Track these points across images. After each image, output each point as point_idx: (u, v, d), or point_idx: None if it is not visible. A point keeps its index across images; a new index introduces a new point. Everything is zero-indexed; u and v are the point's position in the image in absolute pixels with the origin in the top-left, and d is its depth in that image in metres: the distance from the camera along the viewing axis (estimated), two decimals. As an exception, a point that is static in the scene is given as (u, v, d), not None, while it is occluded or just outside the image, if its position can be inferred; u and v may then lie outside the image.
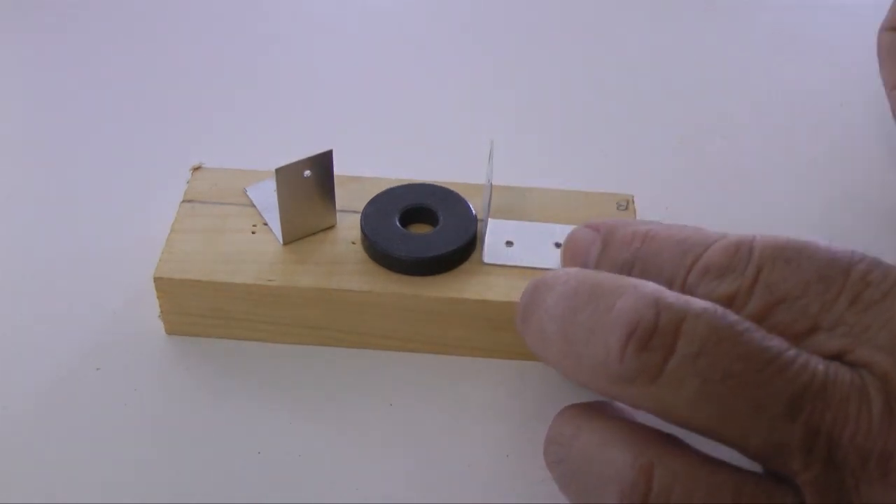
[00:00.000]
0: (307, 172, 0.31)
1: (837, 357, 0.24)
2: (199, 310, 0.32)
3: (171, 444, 0.30)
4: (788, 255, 0.25)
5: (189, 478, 0.29)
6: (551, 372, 0.32)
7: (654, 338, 0.23)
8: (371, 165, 0.36)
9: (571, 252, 0.31)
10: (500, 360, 0.33)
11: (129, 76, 0.45)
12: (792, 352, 0.23)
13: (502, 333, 0.32)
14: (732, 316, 0.24)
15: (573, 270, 0.26)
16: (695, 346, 0.23)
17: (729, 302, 0.25)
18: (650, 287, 0.24)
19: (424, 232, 0.33)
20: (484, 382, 0.32)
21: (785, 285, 0.25)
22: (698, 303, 0.24)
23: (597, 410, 0.26)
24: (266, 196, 0.34)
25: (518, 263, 0.32)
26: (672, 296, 0.24)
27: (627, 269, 0.28)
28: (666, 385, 0.23)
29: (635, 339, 0.23)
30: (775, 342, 0.24)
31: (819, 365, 0.23)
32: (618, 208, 0.35)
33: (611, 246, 0.29)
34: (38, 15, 0.49)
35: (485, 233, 0.33)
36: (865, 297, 0.24)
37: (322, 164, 0.32)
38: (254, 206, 0.34)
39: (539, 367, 0.33)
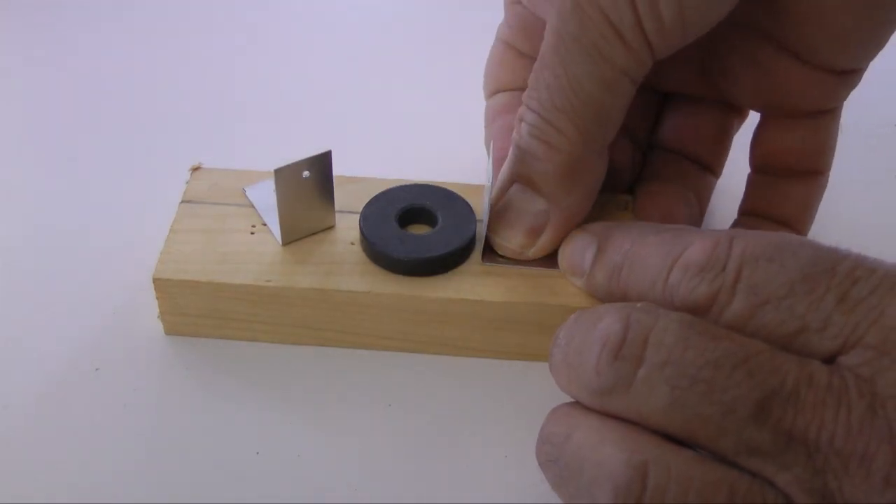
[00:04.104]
0: (306, 173, 0.31)
1: (830, 359, 0.24)
2: (198, 310, 0.32)
3: (170, 444, 0.30)
4: (771, 254, 0.25)
5: (189, 478, 0.29)
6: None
7: (624, 348, 0.24)
8: (371, 165, 0.36)
9: (568, 256, 0.31)
10: (500, 360, 0.33)
11: (130, 76, 0.45)
12: (764, 355, 0.24)
13: (502, 333, 0.32)
14: (701, 324, 0.24)
15: (585, 309, 0.27)
16: (662, 355, 0.24)
17: (710, 302, 0.25)
18: (626, 307, 0.25)
19: (423, 232, 0.33)
20: (484, 382, 0.32)
21: (769, 286, 0.24)
22: (667, 313, 0.25)
23: (589, 409, 0.26)
24: (265, 196, 0.34)
25: (518, 264, 0.32)
26: (643, 309, 0.25)
27: (617, 272, 0.29)
28: (639, 394, 0.24)
29: (606, 351, 0.24)
30: (747, 346, 0.24)
31: (793, 368, 0.23)
32: (617, 208, 0.35)
33: (605, 251, 0.30)
34: (38, 15, 0.49)
35: (485, 233, 0.33)
36: (853, 294, 0.24)
37: (321, 164, 0.32)
38: (253, 206, 0.34)
39: (539, 367, 0.33)
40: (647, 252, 0.28)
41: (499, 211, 0.32)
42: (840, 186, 0.38)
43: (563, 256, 0.31)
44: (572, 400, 0.27)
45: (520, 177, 0.31)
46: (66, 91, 0.45)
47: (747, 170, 0.35)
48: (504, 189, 0.31)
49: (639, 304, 0.25)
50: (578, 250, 0.31)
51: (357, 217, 0.33)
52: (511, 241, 0.32)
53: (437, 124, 0.43)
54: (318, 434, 0.31)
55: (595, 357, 0.25)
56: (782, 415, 0.23)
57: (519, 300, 0.31)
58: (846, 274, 0.24)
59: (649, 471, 0.23)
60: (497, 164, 0.32)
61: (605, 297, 0.30)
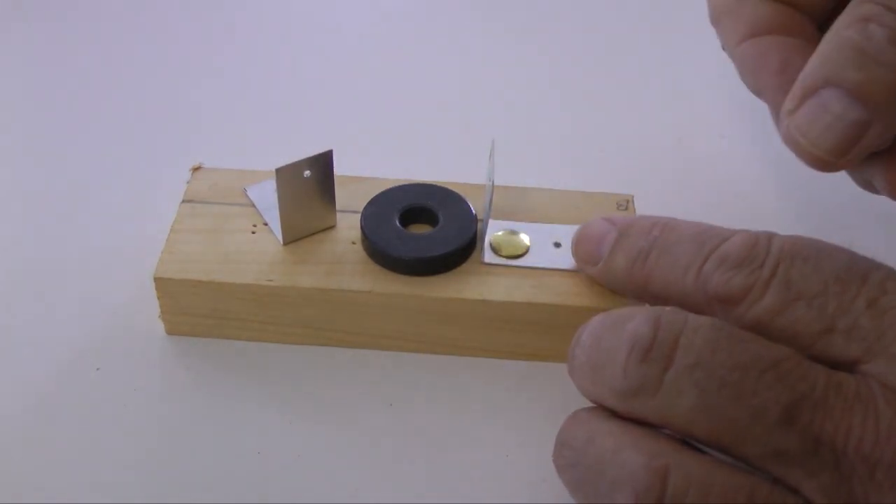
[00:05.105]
0: (307, 172, 0.31)
1: (852, 365, 0.24)
2: (199, 310, 0.32)
3: (171, 444, 0.30)
4: (808, 254, 0.25)
5: (189, 478, 0.29)
6: (551, 372, 0.32)
7: (653, 350, 0.24)
8: (371, 165, 0.36)
9: (584, 242, 0.31)
10: (501, 360, 0.33)
11: (130, 76, 0.45)
12: (793, 361, 0.24)
13: (502, 333, 0.32)
14: (730, 327, 0.24)
15: (609, 311, 0.27)
16: (691, 358, 0.24)
17: (744, 294, 0.25)
18: (655, 310, 0.25)
19: (424, 232, 0.33)
20: (484, 382, 0.32)
21: (802, 282, 0.25)
22: (695, 319, 0.25)
23: (610, 414, 0.26)
24: (266, 196, 0.34)
25: (518, 263, 0.32)
26: (673, 313, 0.25)
27: (643, 257, 0.29)
28: (666, 396, 0.24)
29: (636, 352, 0.24)
30: (775, 351, 0.24)
31: (821, 375, 0.23)
32: (618, 208, 0.35)
33: (628, 235, 0.29)
34: (37, 14, 0.49)
35: (485, 233, 0.33)
36: (882, 303, 0.24)
37: (322, 164, 0.32)
38: (254, 206, 0.34)
39: (539, 367, 0.33)
40: (680, 240, 0.28)
41: (803, 113, 0.29)
42: (840, 186, 0.38)
43: (579, 242, 0.31)
44: (591, 405, 0.26)
45: (845, 81, 0.27)
46: (66, 91, 0.45)
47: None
48: (809, 91, 0.29)
49: (667, 308, 0.25)
50: (596, 237, 0.30)
51: (358, 216, 0.33)
52: (822, 146, 0.28)
53: (438, 124, 0.43)
54: (318, 434, 0.31)
55: (623, 358, 0.24)
56: (811, 419, 0.23)
57: (519, 300, 0.31)
58: (877, 283, 0.24)
59: (669, 475, 0.23)
60: (777, 85, 0.31)
61: (622, 282, 0.30)
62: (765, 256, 0.26)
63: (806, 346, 0.24)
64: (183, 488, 0.29)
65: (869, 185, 0.33)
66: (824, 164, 0.29)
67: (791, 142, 0.29)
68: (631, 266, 0.29)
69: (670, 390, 0.24)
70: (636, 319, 0.25)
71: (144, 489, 0.29)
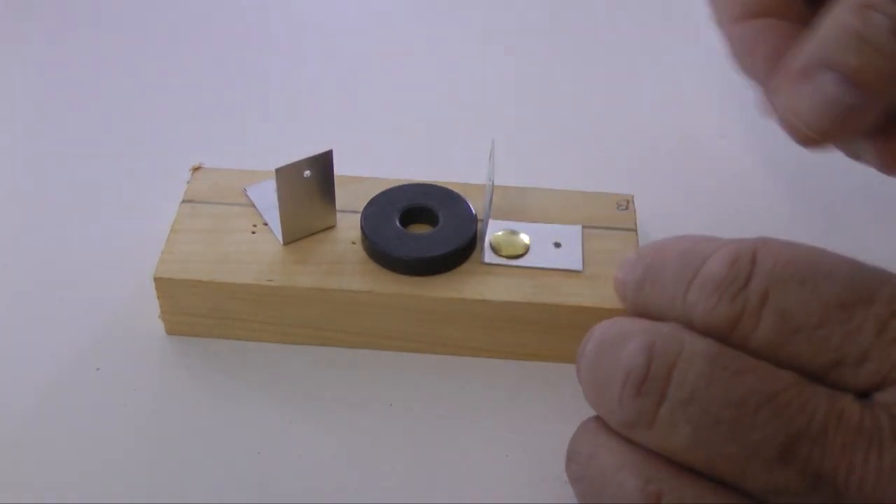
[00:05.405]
0: (307, 172, 0.31)
1: (867, 392, 0.23)
2: (199, 310, 0.32)
3: (171, 444, 0.30)
4: (803, 276, 0.23)
5: (189, 478, 0.29)
6: (551, 372, 0.32)
7: (646, 383, 0.23)
8: (371, 165, 0.36)
9: (614, 282, 0.29)
10: (500, 360, 0.33)
11: (129, 76, 0.45)
12: (792, 391, 0.22)
13: (502, 333, 0.32)
14: (727, 355, 0.23)
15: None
16: (685, 392, 0.23)
17: (733, 324, 0.24)
18: (652, 331, 0.24)
19: (424, 232, 0.33)
20: (484, 382, 0.32)
21: (800, 312, 0.23)
22: (691, 345, 0.24)
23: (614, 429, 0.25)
24: (266, 196, 0.34)
25: (518, 263, 0.32)
26: (669, 336, 0.24)
27: (640, 288, 0.27)
28: (661, 430, 0.23)
29: (630, 385, 0.24)
30: (773, 382, 0.23)
31: (822, 404, 0.22)
32: (618, 208, 0.35)
33: (634, 266, 0.28)
34: (38, 15, 0.49)
35: (485, 233, 0.33)
36: (893, 326, 0.22)
37: (322, 164, 0.32)
38: (254, 205, 0.34)
39: (539, 367, 0.33)
40: (665, 265, 0.26)
41: (797, 92, 0.28)
42: (841, 186, 0.38)
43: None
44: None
45: (842, 66, 0.26)
46: (65, 91, 0.45)
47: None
48: (805, 71, 0.27)
49: (665, 329, 0.24)
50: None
51: (358, 216, 0.33)
52: (813, 126, 0.27)
53: (438, 124, 0.43)
54: (318, 434, 0.31)
55: (619, 390, 0.24)
56: (809, 455, 0.22)
57: (519, 300, 0.31)
58: (885, 302, 0.23)
59: (663, 499, 0.23)
60: (770, 69, 0.29)
61: (637, 316, 0.27)
62: (748, 275, 0.24)
63: (815, 378, 0.23)
64: (183, 488, 0.29)
65: (858, 157, 0.32)
66: (813, 143, 0.28)
67: (782, 119, 0.28)
68: (635, 299, 0.27)
69: (665, 425, 0.23)
70: (632, 344, 0.24)
71: (144, 489, 0.29)
